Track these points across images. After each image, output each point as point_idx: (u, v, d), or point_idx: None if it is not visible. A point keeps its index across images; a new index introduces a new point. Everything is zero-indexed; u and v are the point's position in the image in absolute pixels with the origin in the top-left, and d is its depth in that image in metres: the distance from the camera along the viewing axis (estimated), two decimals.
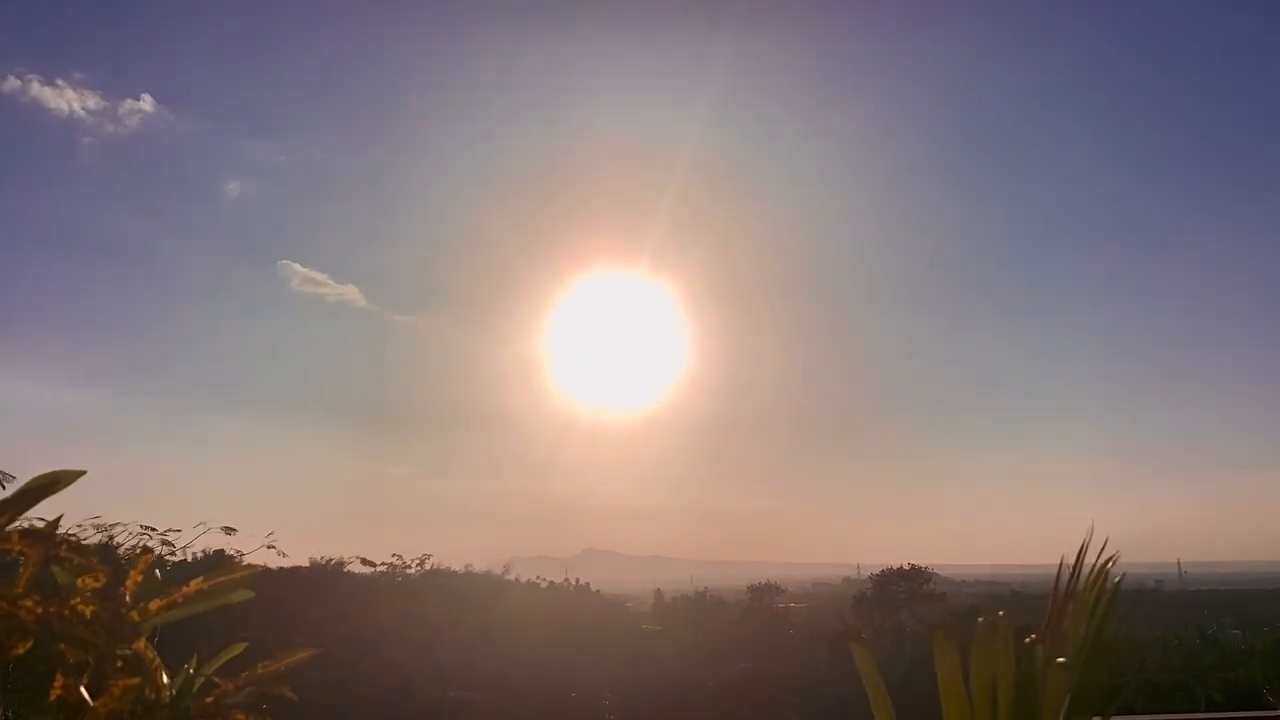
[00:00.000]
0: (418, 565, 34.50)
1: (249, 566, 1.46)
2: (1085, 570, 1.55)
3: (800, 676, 33.88)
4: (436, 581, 34.85)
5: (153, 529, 14.16)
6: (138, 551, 1.37)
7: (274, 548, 14.65)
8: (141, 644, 1.28)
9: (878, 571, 56.90)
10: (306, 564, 32.00)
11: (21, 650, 1.16)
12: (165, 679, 1.32)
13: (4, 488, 13.45)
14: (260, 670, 1.42)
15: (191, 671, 1.40)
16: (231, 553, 16.41)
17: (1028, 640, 1.46)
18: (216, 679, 1.40)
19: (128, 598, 1.30)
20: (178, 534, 14.40)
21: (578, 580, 47.85)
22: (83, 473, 1.22)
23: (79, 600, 1.17)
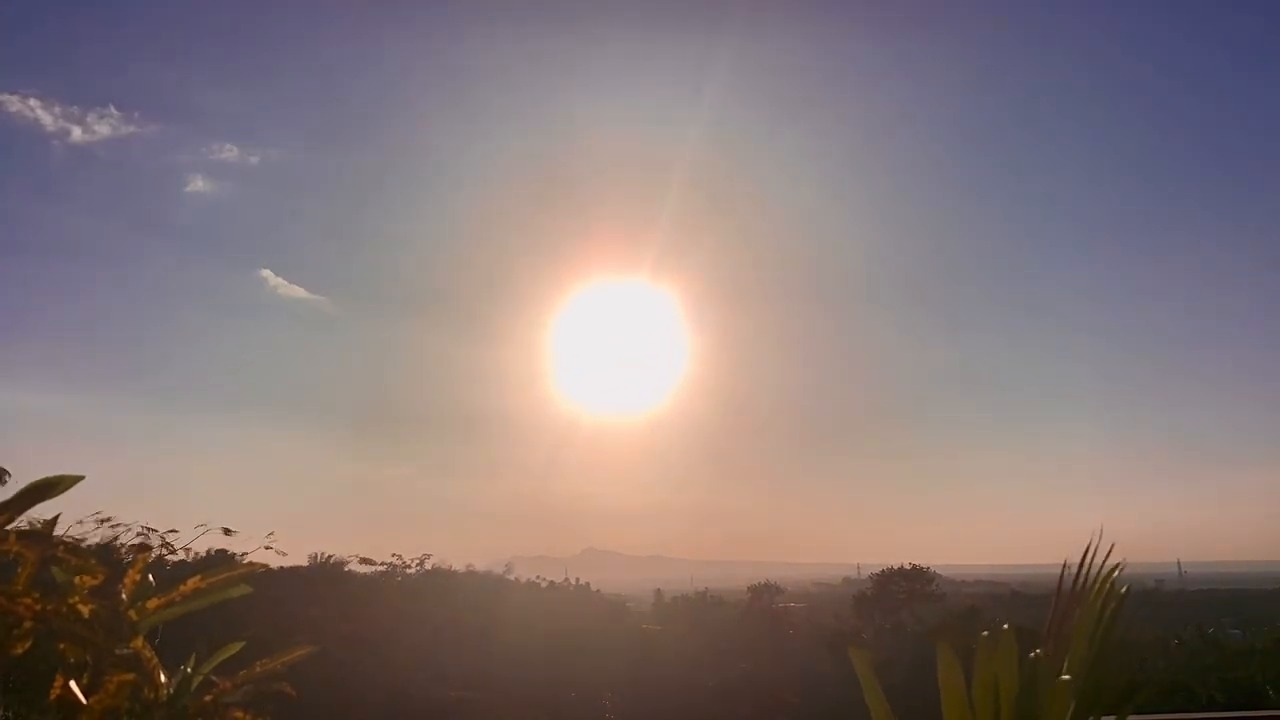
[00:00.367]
0: (418, 565, 34.49)
1: (248, 564, 1.45)
2: (1090, 572, 1.54)
3: (800, 677, 33.87)
4: (437, 581, 34.83)
5: (153, 529, 14.18)
6: (136, 551, 1.36)
7: (273, 548, 14.65)
8: (139, 642, 1.28)
9: (878, 571, 56.89)
10: (305, 563, 32.03)
11: (21, 650, 1.16)
12: (163, 677, 1.31)
13: (3, 483, 13.45)
14: (258, 669, 1.42)
15: (189, 670, 1.40)
16: (232, 553, 16.42)
17: (1033, 654, 1.45)
18: (214, 677, 1.40)
19: (124, 596, 1.30)
20: (176, 535, 14.41)
21: (578, 580, 47.83)
22: (81, 478, 1.22)
23: (77, 599, 1.17)
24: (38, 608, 1.13)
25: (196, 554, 17.94)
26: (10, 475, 13.20)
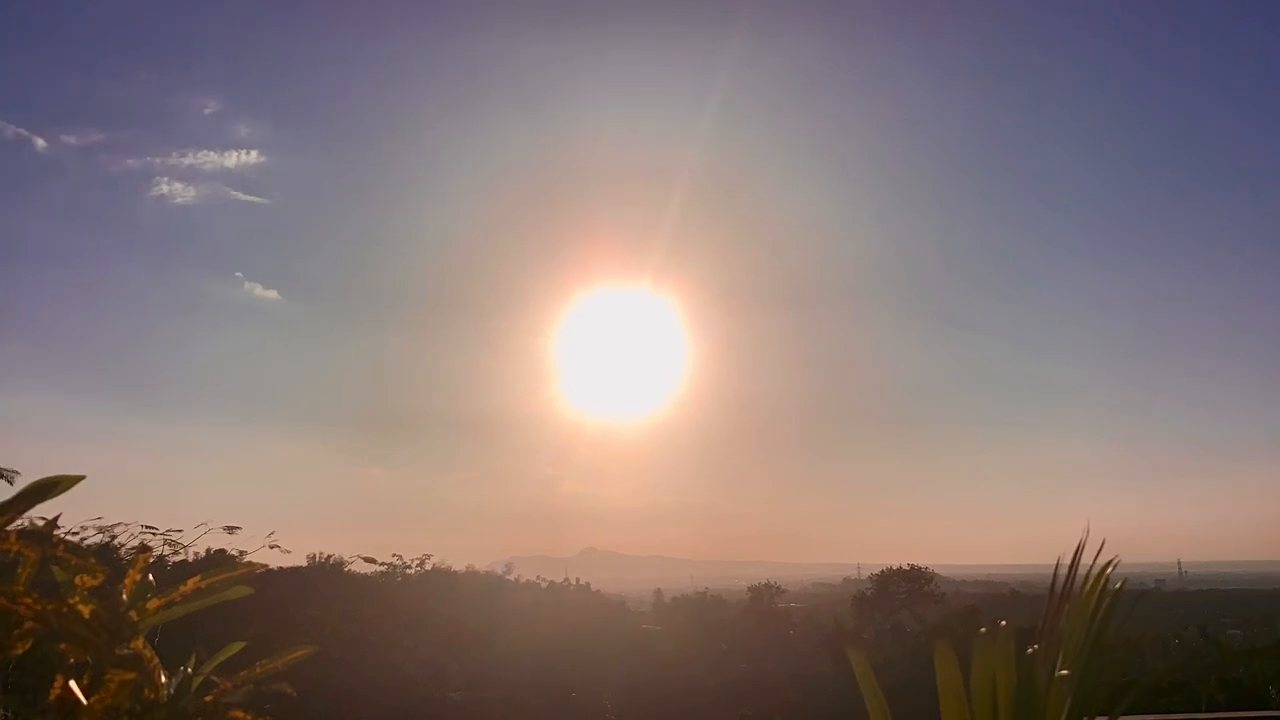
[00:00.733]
0: (418, 565, 34.51)
1: (248, 564, 1.46)
2: (1082, 571, 1.55)
3: (800, 676, 33.85)
4: (437, 581, 34.85)
5: (154, 529, 14.15)
6: (137, 551, 1.37)
7: (276, 547, 14.63)
8: (139, 643, 1.28)
9: (878, 571, 56.91)
10: (305, 563, 32.03)
11: (21, 650, 1.17)
12: (163, 677, 1.32)
13: (11, 483, 13.46)
14: (259, 669, 1.42)
15: (190, 670, 1.40)
16: (233, 552, 16.41)
17: (1029, 650, 1.46)
18: (215, 678, 1.40)
19: (125, 596, 1.30)
20: (179, 534, 14.38)
21: (578, 580, 47.84)
22: (82, 478, 1.22)
23: (77, 599, 1.17)
24: (38, 608, 1.13)
25: (197, 554, 17.95)
26: (18, 473, 13.22)
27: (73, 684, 1.18)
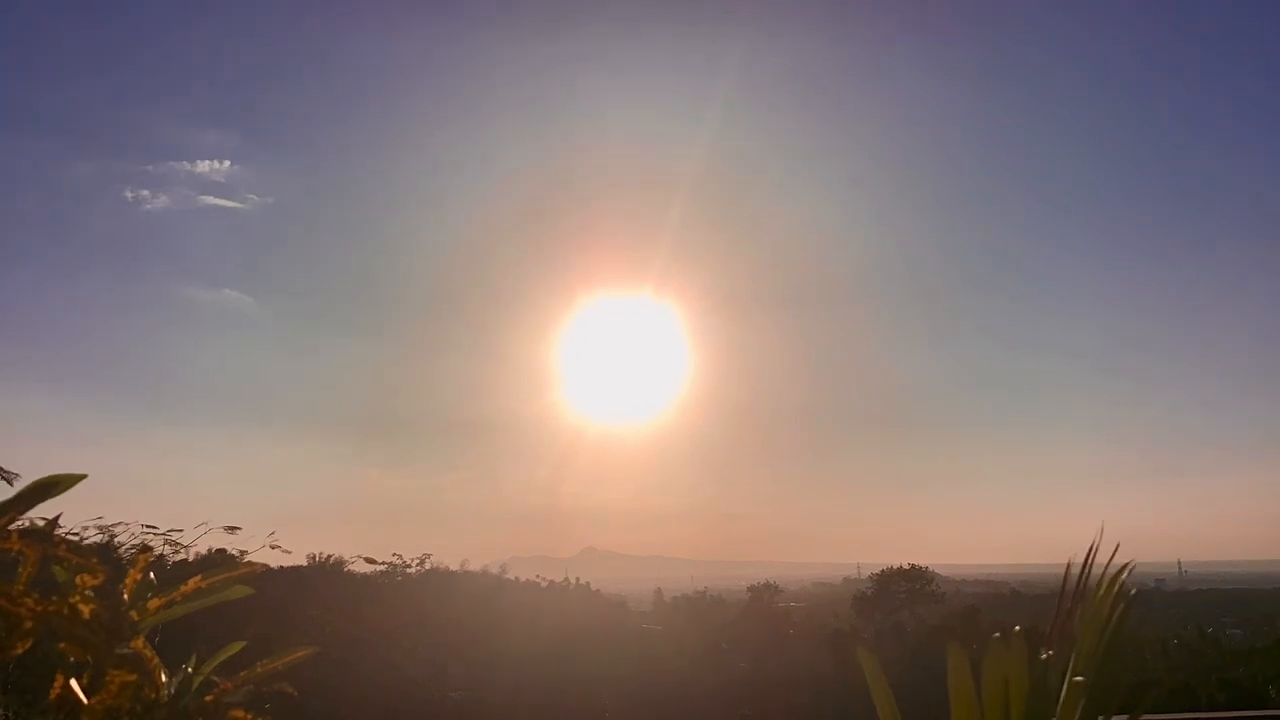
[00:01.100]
0: (418, 564, 34.47)
1: (248, 564, 1.45)
2: (1094, 572, 1.53)
3: (800, 676, 33.85)
4: (437, 581, 34.80)
5: (155, 528, 14.15)
6: (138, 551, 1.36)
7: (276, 547, 14.62)
8: (139, 642, 1.28)
9: (878, 571, 56.90)
10: (305, 563, 31.97)
11: (21, 650, 1.16)
12: (164, 677, 1.31)
13: (11, 484, 13.44)
14: (259, 669, 1.41)
15: (190, 670, 1.40)
16: (234, 552, 16.40)
17: (1043, 654, 1.44)
18: (215, 677, 1.40)
19: (125, 596, 1.30)
20: (179, 534, 14.38)
21: (577, 580, 47.79)
22: (83, 476, 1.21)
23: (78, 598, 1.16)
24: (38, 608, 1.12)
25: (197, 553, 17.94)
26: (18, 475, 13.19)
27: (73, 683, 1.17)
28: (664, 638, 40.02)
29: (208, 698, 1.33)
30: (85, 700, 1.15)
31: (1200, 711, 16.48)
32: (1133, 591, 1.44)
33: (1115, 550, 1.47)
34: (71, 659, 1.17)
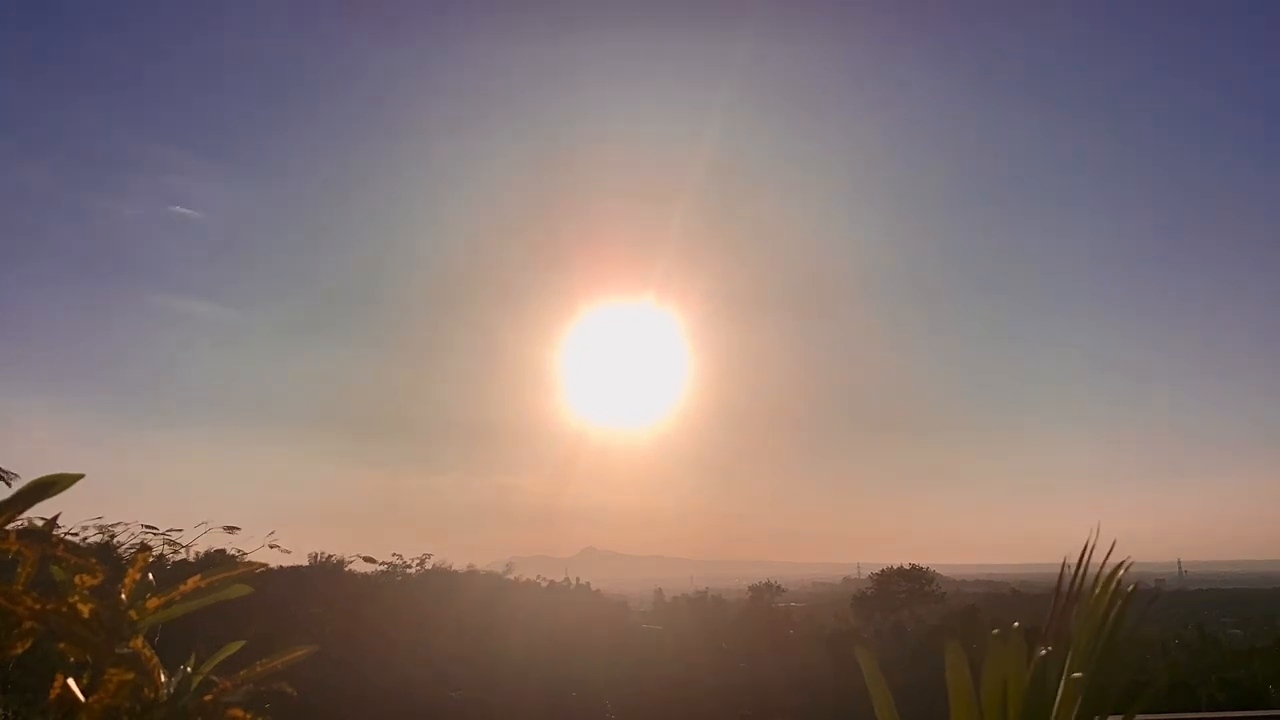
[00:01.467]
0: (418, 564, 34.47)
1: (248, 564, 1.45)
2: (1091, 571, 1.54)
3: (801, 676, 33.84)
4: (437, 581, 34.80)
5: (154, 528, 14.11)
6: (137, 550, 1.36)
7: (276, 546, 14.58)
8: (139, 642, 1.28)
9: (878, 571, 56.85)
10: (306, 563, 31.95)
11: (21, 650, 1.16)
12: (163, 677, 1.31)
13: (9, 484, 13.41)
14: (259, 668, 1.41)
15: (189, 670, 1.40)
16: (233, 552, 16.38)
17: (1041, 652, 1.44)
18: (215, 677, 1.40)
19: (124, 596, 1.30)
20: (179, 533, 14.33)
21: (578, 580, 47.76)
22: (81, 476, 1.21)
23: (77, 598, 1.17)
24: (38, 608, 1.12)
25: (197, 553, 17.91)
26: (16, 475, 13.16)
27: (72, 683, 1.17)
28: (664, 638, 39.99)
29: (207, 697, 1.33)
30: (84, 700, 1.15)
31: (1200, 711, 16.46)
32: (1131, 587, 1.44)
33: (1111, 548, 1.47)
34: (71, 658, 1.17)
